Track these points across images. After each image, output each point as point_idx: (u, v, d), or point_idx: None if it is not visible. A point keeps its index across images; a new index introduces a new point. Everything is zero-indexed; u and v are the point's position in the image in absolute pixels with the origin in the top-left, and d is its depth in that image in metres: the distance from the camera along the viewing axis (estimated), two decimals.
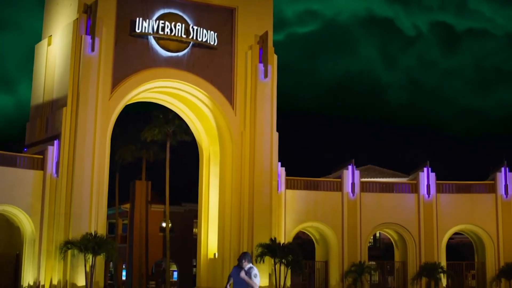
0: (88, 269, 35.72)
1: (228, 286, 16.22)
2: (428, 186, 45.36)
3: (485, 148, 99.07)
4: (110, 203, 43.79)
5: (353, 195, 44.48)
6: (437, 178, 45.92)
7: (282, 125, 44.13)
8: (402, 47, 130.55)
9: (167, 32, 40.83)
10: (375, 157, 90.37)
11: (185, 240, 63.11)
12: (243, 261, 15.76)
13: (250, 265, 15.72)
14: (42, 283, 36.21)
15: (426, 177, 45.52)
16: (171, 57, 41.31)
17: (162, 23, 40.77)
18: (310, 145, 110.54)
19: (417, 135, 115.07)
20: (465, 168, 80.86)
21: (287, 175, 43.76)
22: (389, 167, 72.56)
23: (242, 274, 15.64)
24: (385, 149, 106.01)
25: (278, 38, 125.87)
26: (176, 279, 68.34)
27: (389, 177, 68.47)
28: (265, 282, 39.99)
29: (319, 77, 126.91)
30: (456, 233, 50.21)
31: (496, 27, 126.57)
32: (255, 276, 15.75)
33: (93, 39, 38.07)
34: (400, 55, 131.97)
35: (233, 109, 42.80)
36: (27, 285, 36.62)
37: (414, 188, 45.77)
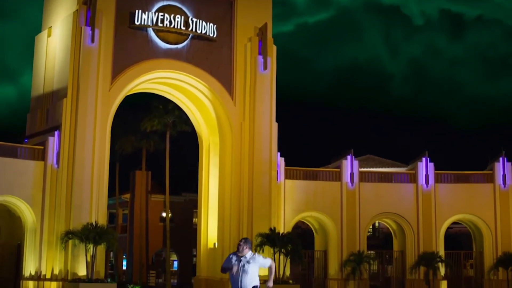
0: (89, 259, 36.01)
1: (235, 269, 14.02)
2: (427, 176, 45.60)
3: (487, 138, 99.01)
4: (110, 193, 44.07)
5: (352, 185, 44.73)
6: (436, 168, 46.14)
7: (283, 115, 44.37)
8: (408, 35, 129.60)
9: (167, 24, 40.98)
10: (376, 147, 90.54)
11: (185, 230, 63.44)
12: (245, 247, 14.20)
13: (251, 252, 14.20)
14: (43, 272, 36.53)
15: (424, 167, 45.76)
16: (170, 49, 41.48)
17: (161, 15, 40.90)
18: (311, 135, 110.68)
19: (419, 125, 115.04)
20: (465, 159, 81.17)
21: (286, 165, 43.96)
22: (389, 157, 72.82)
23: (248, 266, 13.90)
24: (386, 139, 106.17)
25: (288, 29, 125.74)
26: (176, 269, 68.75)
27: (388, 167, 68.73)
28: (265, 271, 40.21)
29: (325, 67, 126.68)
30: (454, 223, 50.50)
31: (508, 16, 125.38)
32: (264, 259, 14.26)
33: (93, 30, 38.23)
34: (406, 43, 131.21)
35: (232, 100, 43.00)
36: (28, 274, 36.92)
37: (413, 178, 46.02)
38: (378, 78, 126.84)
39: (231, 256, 14.39)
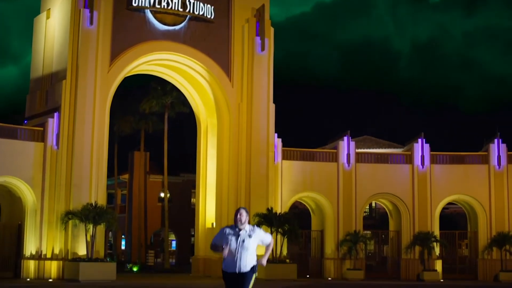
0: (88, 238, 36.47)
1: (233, 245, 11.74)
2: (422, 157, 45.99)
3: (491, 120, 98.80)
4: (109, 174, 44.46)
5: (349, 165, 45.12)
6: (432, 149, 46.52)
7: (281, 96, 44.59)
8: (418, 11, 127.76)
9: (164, 6, 41.15)
10: (373, 127, 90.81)
11: (183, 210, 64.01)
12: (246, 218, 11.89)
13: (250, 225, 12.03)
14: (44, 252, 37.02)
15: (420, 148, 46.14)
16: (168, 31, 41.69)
17: None
18: (310, 116, 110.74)
19: (424, 106, 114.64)
20: (462, 140, 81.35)
21: (283, 146, 44.34)
22: (387, 138, 73.22)
23: (249, 240, 11.73)
24: (386, 120, 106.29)
25: (305, 10, 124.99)
26: (174, 248, 69.38)
27: (385, 147, 69.22)
28: (262, 251, 40.70)
29: (334, 45, 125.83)
30: (450, 203, 51.00)
31: None
32: (264, 234, 12.19)
33: (91, 12, 38.42)
34: (415, 21, 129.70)
35: (230, 81, 43.28)
36: (29, 254, 37.41)
37: (409, 159, 46.40)
38: (386, 57, 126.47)
39: (225, 230, 12.00)
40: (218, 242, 11.96)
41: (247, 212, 11.99)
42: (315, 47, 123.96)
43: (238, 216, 11.89)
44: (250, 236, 11.84)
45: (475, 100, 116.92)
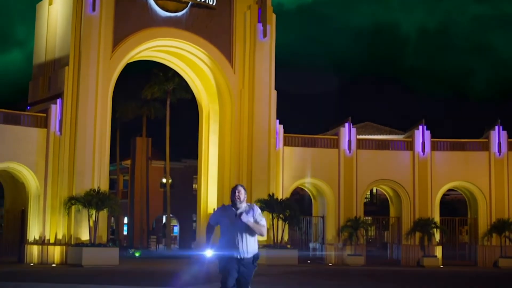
0: (91, 224, 36.79)
1: (210, 240, 11.26)
2: (423, 143, 46.18)
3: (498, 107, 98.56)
4: (111, 160, 44.71)
5: (350, 152, 45.33)
6: (432, 136, 46.71)
7: (282, 82, 44.72)
8: None
9: None
10: (375, 113, 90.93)
11: (185, 195, 64.34)
12: (244, 196, 10.98)
13: (247, 203, 11.04)
14: (47, 237, 37.33)
15: (421, 135, 46.32)
16: (170, 17, 41.80)
17: None
18: (317, 101, 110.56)
19: (431, 93, 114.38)
20: (464, 127, 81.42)
21: (285, 132, 44.55)
22: (389, 125, 73.40)
23: (245, 217, 10.84)
24: (390, 107, 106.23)
25: None
26: (176, 234, 69.78)
27: (386, 134, 69.47)
28: (263, 237, 41.00)
29: (342, 28, 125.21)
30: (450, 190, 51.26)
31: None
32: (261, 216, 11.07)
33: None
34: (423, 6, 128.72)
35: (232, 67, 43.44)
36: (33, 239, 37.72)
37: (410, 146, 46.59)
38: (394, 43, 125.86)
39: (221, 210, 11.15)
40: (214, 223, 11.20)
41: (245, 189, 11.07)
42: (321, 32, 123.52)
43: (236, 193, 10.95)
44: (247, 214, 10.92)
45: (484, 87, 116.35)
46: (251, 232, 10.87)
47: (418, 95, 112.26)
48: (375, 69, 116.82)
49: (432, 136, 46.59)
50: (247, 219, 10.82)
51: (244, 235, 10.81)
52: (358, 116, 49.45)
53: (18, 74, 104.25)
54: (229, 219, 10.92)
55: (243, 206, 10.90)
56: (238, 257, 10.82)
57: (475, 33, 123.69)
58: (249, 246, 10.89)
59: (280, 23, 45.08)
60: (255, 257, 11.00)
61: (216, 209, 11.13)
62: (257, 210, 10.97)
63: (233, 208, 10.92)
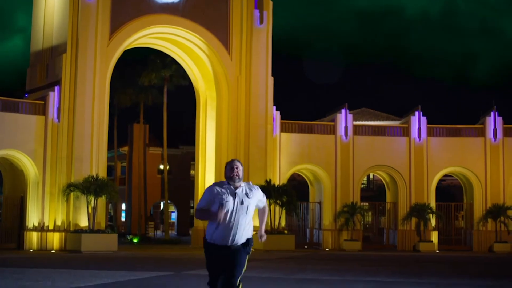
0: (90, 210, 37.05)
1: (230, 205, 8.94)
2: (419, 129, 46.42)
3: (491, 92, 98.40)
4: (109, 146, 44.90)
5: (346, 138, 45.56)
6: (429, 122, 46.94)
7: (281, 68, 44.86)
8: None
9: None
10: (373, 100, 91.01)
11: (182, 181, 64.61)
12: (241, 174, 9.11)
13: (245, 182, 9.26)
14: (46, 224, 37.61)
15: (417, 121, 46.55)
16: (167, 4, 41.87)
17: None
18: (318, 88, 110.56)
19: (433, 81, 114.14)
20: (460, 113, 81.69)
21: (282, 118, 44.74)
22: (385, 111, 73.63)
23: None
24: (387, 93, 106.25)
25: None
26: (174, 220, 70.10)
27: (383, 120, 69.72)
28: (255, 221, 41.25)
29: (338, 12, 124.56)
30: (446, 175, 51.57)
31: None
32: (264, 197, 9.52)
33: None
34: None
35: (229, 54, 43.55)
36: (32, 226, 37.98)
37: (406, 132, 46.83)
38: (397, 27, 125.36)
39: (215, 189, 9.03)
40: (205, 205, 9.00)
41: (242, 165, 9.31)
42: (322, 16, 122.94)
43: (235, 169, 9.03)
44: (248, 196, 9.08)
45: (487, 72, 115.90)
46: (250, 216, 9.18)
47: (419, 81, 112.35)
48: (376, 54, 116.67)
49: (430, 122, 46.85)
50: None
51: (241, 219, 8.97)
52: (357, 102, 49.70)
53: (19, 61, 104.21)
54: (226, 200, 8.91)
55: (241, 184, 9.11)
56: (230, 244, 8.97)
57: (481, 17, 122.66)
58: (245, 230, 9.06)
59: (281, 7, 45.18)
60: (249, 241, 9.22)
61: (205, 192, 9.21)
62: (259, 190, 9.32)
63: (231, 187, 9.01)
